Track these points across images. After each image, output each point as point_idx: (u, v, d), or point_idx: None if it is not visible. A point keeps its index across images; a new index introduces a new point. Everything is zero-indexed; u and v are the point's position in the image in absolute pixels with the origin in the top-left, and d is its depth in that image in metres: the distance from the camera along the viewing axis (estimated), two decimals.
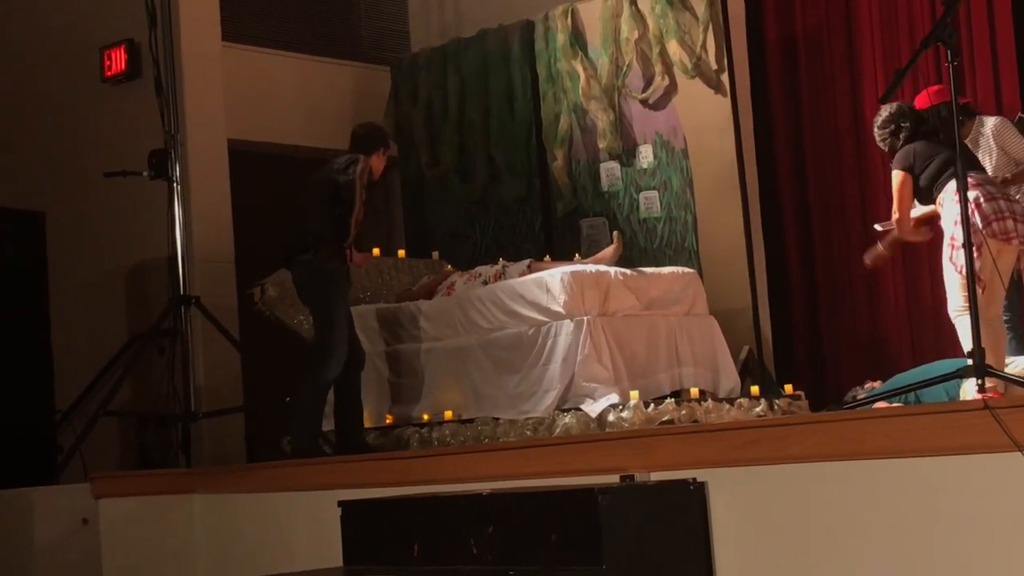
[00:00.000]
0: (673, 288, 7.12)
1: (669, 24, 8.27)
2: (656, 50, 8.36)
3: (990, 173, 6.41)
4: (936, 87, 6.64)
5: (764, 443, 4.50)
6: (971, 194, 5.66)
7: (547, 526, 4.48)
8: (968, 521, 4.00)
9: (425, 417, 7.17)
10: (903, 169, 6.03)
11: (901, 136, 6.11)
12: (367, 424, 7.13)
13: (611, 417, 6.40)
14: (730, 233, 8.11)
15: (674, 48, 8.27)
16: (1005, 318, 6.12)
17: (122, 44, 8.91)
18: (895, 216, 6.15)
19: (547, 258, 7.78)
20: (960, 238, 5.32)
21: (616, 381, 6.59)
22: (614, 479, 4.78)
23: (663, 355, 6.93)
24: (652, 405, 6.48)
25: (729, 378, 7.12)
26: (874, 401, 5.70)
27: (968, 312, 5.31)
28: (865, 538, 4.22)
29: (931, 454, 4.08)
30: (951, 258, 5.78)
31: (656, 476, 4.75)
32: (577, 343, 6.60)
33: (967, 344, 5.46)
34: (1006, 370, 5.73)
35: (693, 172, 8.29)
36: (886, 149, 6.22)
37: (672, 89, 8.37)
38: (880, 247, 6.56)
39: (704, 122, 8.23)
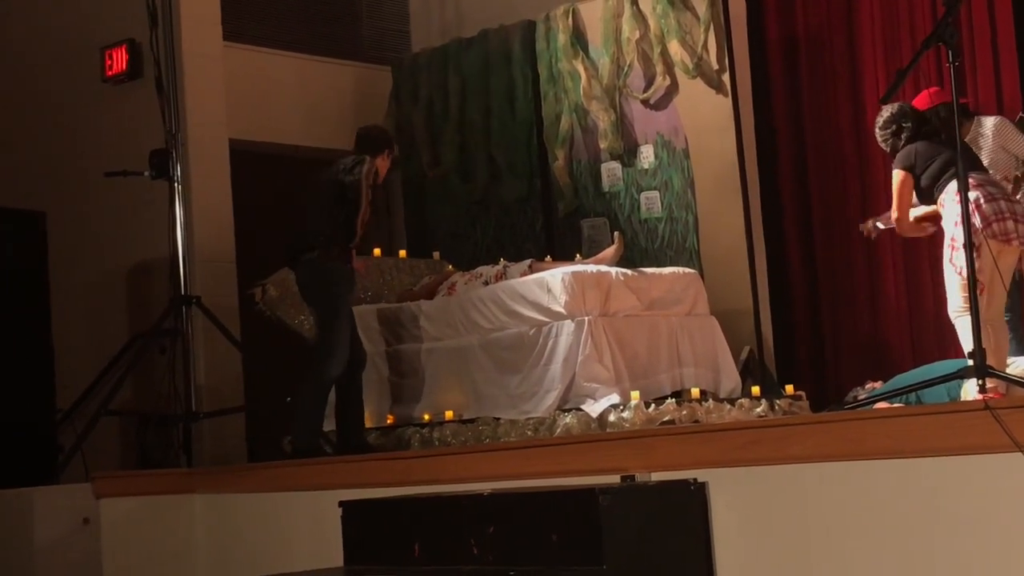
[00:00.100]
0: (674, 288, 7.13)
1: (670, 24, 8.27)
2: (657, 50, 8.36)
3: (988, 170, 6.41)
4: (934, 89, 6.65)
5: (765, 443, 4.50)
6: (972, 195, 5.66)
7: (548, 526, 4.48)
8: (969, 521, 4.00)
9: (426, 417, 7.17)
10: (904, 169, 6.03)
11: (903, 136, 6.11)
12: (368, 424, 7.13)
13: (612, 417, 6.40)
14: (731, 233, 8.11)
15: (675, 48, 8.27)
16: (1006, 318, 6.12)
17: (123, 44, 8.91)
18: (894, 215, 6.15)
19: (548, 258, 7.79)
20: (961, 239, 5.32)
21: (617, 381, 6.59)
22: (615, 479, 4.78)
23: (664, 355, 6.93)
24: (653, 405, 6.48)
25: (730, 378, 7.12)
26: (875, 401, 5.70)
27: (968, 313, 5.32)
28: (866, 538, 4.23)
29: (932, 454, 4.08)
30: (951, 259, 5.78)
31: (657, 476, 4.75)
32: (578, 343, 6.60)
33: (967, 345, 5.47)
34: (1008, 371, 5.73)
35: (694, 172, 8.29)
36: (888, 149, 6.22)
37: (673, 89, 8.37)
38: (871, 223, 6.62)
39: (705, 122, 8.23)
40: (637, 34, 8.44)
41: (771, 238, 8.33)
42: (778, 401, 6.95)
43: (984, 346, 4.88)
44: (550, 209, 9.00)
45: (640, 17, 8.43)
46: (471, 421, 6.93)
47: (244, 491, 6.69)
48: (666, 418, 6.43)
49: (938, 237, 6.39)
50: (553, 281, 6.76)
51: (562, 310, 6.69)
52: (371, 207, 6.73)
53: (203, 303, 8.20)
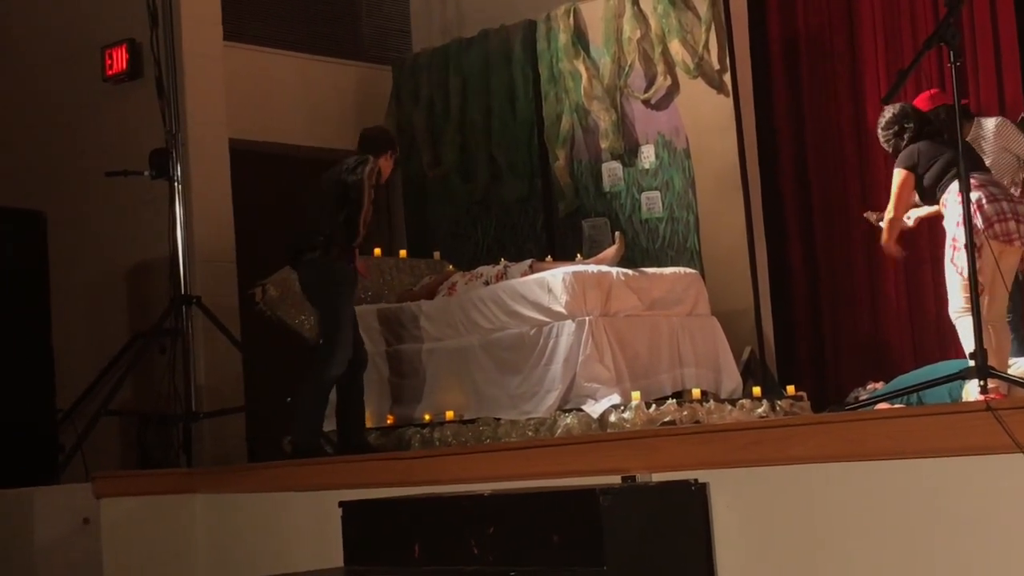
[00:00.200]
0: (675, 288, 7.13)
1: (671, 24, 8.28)
2: (658, 50, 8.36)
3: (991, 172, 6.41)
4: (934, 91, 6.65)
5: (766, 444, 4.50)
6: (974, 195, 5.66)
7: (548, 527, 4.48)
8: (970, 522, 4.00)
9: (426, 417, 7.17)
10: (907, 168, 6.03)
11: (905, 137, 6.11)
12: (368, 424, 7.14)
13: (613, 418, 6.40)
14: (732, 233, 8.11)
15: (676, 48, 8.27)
16: (1008, 319, 6.12)
17: (123, 43, 8.91)
18: (889, 215, 6.13)
19: (549, 258, 7.79)
20: (962, 239, 5.32)
21: (618, 382, 6.59)
22: (616, 480, 4.78)
23: (665, 356, 6.93)
24: (654, 406, 6.48)
25: (731, 379, 7.12)
26: (876, 402, 5.70)
27: (968, 313, 5.32)
28: (867, 539, 4.23)
29: (933, 455, 4.08)
30: (953, 259, 5.79)
31: (658, 477, 4.75)
32: (579, 343, 6.60)
33: (968, 345, 5.47)
34: (1009, 371, 5.73)
35: (695, 172, 8.29)
36: (890, 150, 6.22)
37: (674, 89, 8.37)
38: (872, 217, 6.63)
39: (706, 122, 8.23)
40: (638, 34, 8.44)
41: (772, 238, 8.33)
42: (779, 402, 6.95)
43: (985, 347, 4.87)
44: (551, 209, 9.00)
45: (641, 17, 8.43)
46: (472, 421, 6.93)
47: (244, 491, 6.69)
48: (667, 418, 6.43)
49: (939, 237, 6.39)
50: (554, 281, 6.77)
51: (563, 310, 6.69)
52: (373, 207, 6.73)
53: (203, 303, 8.20)
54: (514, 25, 9.18)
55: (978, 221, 5.67)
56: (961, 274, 5.65)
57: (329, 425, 6.99)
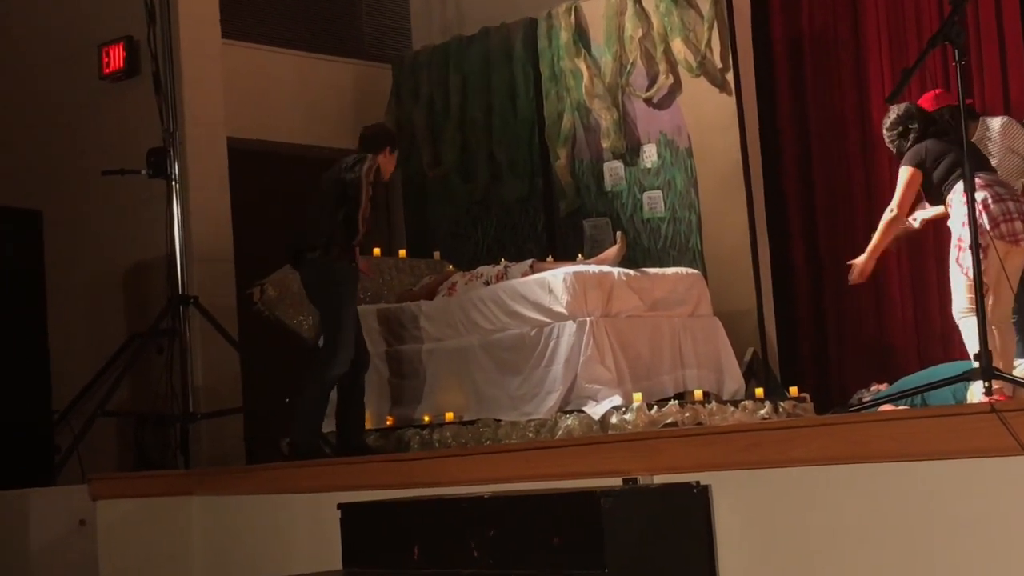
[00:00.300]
0: (677, 289, 7.13)
1: (673, 22, 8.27)
2: (660, 48, 8.36)
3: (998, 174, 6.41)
4: (938, 91, 6.65)
5: (768, 446, 4.50)
6: (979, 195, 5.66)
7: (549, 529, 4.48)
8: (974, 525, 4.00)
9: (426, 419, 7.17)
10: (914, 166, 6.02)
11: (910, 137, 6.11)
12: (368, 425, 7.14)
13: (614, 419, 6.40)
14: (735, 233, 8.11)
15: (678, 46, 8.27)
16: (1013, 320, 6.12)
17: (121, 41, 8.91)
18: (891, 214, 6.11)
19: (550, 258, 7.79)
20: (968, 239, 5.32)
21: (619, 383, 6.59)
22: (617, 482, 4.78)
23: (667, 357, 6.93)
24: (655, 407, 6.48)
25: (733, 380, 7.12)
26: (880, 404, 5.70)
27: (972, 314, 5.32)
28: (870, 542, 4.22)
29: (937, 457, 4.08)
30: (958, 259, 5.79)
31: (659, 479, 4.75)
32: (580, 344, 6.60)
33: (972, 346, 5.47)
34: (1014, 373, 5.74)
35: (697, 172, 8.29)
36: (894, 151, 6.23)
37: (676, 88, 8.37)
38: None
39: (709, 121, 8.23)
40: (640, 32, 8.44)
41: (775, 238, 8.32)
42: (782, 403, 6.95)
43: (990, 348, 4.87)
44: (552, 209, 9.00)
45: (643, 15, 8.43)
46: (471, 423, 6.93)
47: (242, 493, 6.69)
48: (669, 420, 6.43)
49: (944, 237, 6.39)
50: (555, 281, 6.76)
51: (564, 311, 6.69)
52: (372, 204, 6.73)
53: (201, 303, 8.20)
54: (515, 23, 9.18)
55: (984, 221, 5.67)
56: (966, 274, 5.66)
57: (328, 426, 6.99)
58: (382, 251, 8.41)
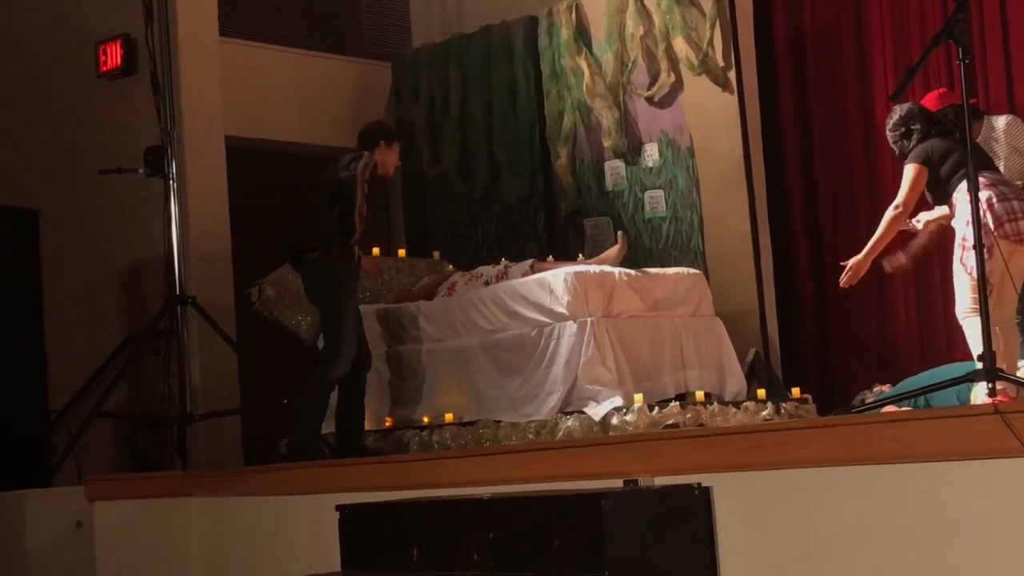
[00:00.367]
0: (678, 289, 7.13)
1: (675, 20, 8.27)
2: (662, 46, 8.36)
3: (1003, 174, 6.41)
4: (942, 90, 6.65)
5: (770, 447, 4.50)
6: (983, 194, 5.67)
7: (549, 531, 4.48)
8: (977, 527, 4.01)
9: (425, 420, 7.18)
10: (920, 162, 6.02)
11: (913, 137, 6.12)
12: (366, 426, 7.14)
13: (615, 420, 6.41)
14: (737, 233, 8.11)
15: (680, 44, 8.27)
16: (1017, 320, 6.13)
17: (118, 39, 8.92)
18: (896, 210, 6.09)
19: (550, 258, 7.79)
20: (972, 239, 5.32)
21: (620, 384, 6.60)
22: (617, 484, 4.78)
23: (668, 357, 6.94)
24: (656, 408, 6.48)
25: (735, 381, 7.13)
26: (883, 405, 5.71)
27: (976, 314, 5.32)
28: (872, 544, 4.23)
29: (940, 459, 4.08)
30: (961, 259, 5.79)
31: (660, 481, 4.75)
32: (580, 345, 6.60)
33: (975, 347, 5.47)
34: (1018, 373, 5.74)
35: (699, 171, 8.29)
36: (897, 151, 6.23)
37: (678, 86, 8.37)
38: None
39: (711, 120, 8.23)
40: (641, 30, 8.44)
41: (777, 238, 8.33)
42: (784, 404, 6.95)
43: (993, 349, 4.88)
44: (552, 208, 9.00)
45: (644, 13, 8.43)
46: (471, 424, 6.94)
47: (240, 494, 6.70)
48: (670, 421, 6.43)
49: (948, 236, 6.39)
50: (555, 281, 6.77)
51: (564, 311, 6.70)
52: (367, 202, 6.73)
53: (198, 303, 8.21)
54: (515, 21, 9.19)
55: (988, 220, 5.68)
56: (970, 274, 5.66)
57: (327, 427, 7.00)
58: (381, 250, 8.42)
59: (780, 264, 8.31)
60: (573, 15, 8.79)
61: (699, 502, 4.58)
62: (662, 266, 7.74)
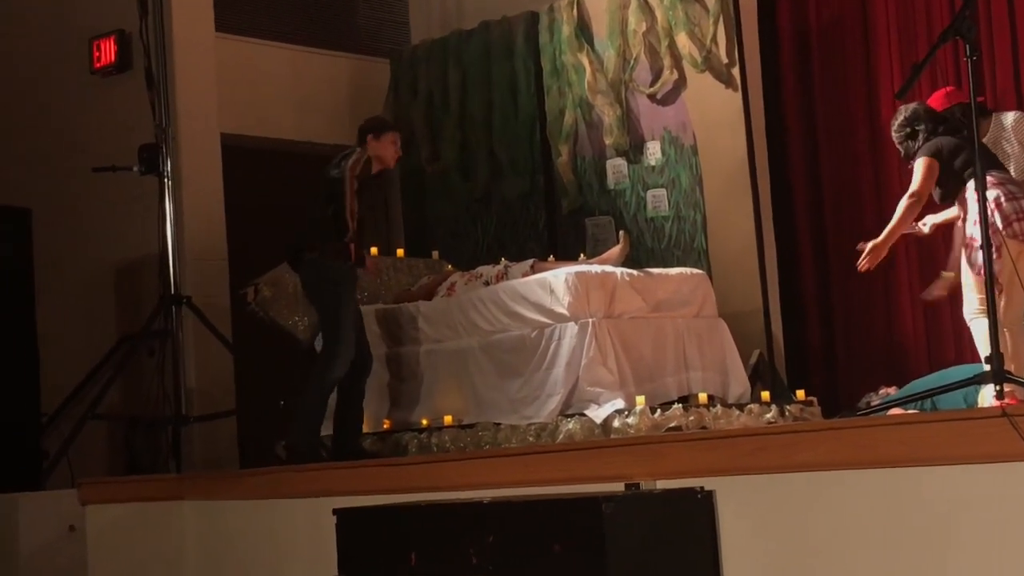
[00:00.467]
0: (681, 289, 7.13)
1: (678, 16, 8.28)
2: (665, 43, 8.36)
3: (1012, 171, 6.41)
4: (949, 88, 6.66)
5: (774, 450, 4.50)
6: (992, 193, 5.67)
7: (549, 536, 4.49)
8: (985, 532, 4.01)
9: (424, 422, 7.18)
10: (931, 155, 6.02)
11: (920, 137, 6.12)
12: (364, 429, 7.14)
13: (616, 423, 6.41)
14: (741, 233, 8.11)
15: (683, 41, 8.27)
16: None
17: (112, 35, 8.93)
18: (912, 198, 6.06)
19: (551, 258, 7.79)
20: (979, 238, 5.32)
21: (622, 385, 6.60)
22: (619, 487, 4.78)
23: (671, 359, 6.94)
24: (659, 411, 6.49)
25: (739, 383, 7.13)
26: (889, 407, 5.71)
27: (983, 315, 5.32)
28: (878, 549, 4.23)
29: (947, 463, 4.09)
30: (969, 259, 5.79)
31: (662, 484, 4.75)
32: (582, 346, 6.61)
33: (983, 348, 5.48)
34: None
35: (703, 169, 8.29)
36: (902, 152, 6.24)
37: (681, 83, 8.37)
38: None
39: (714, 117, 8.23)
40: (644, 26, 8.44)
41: (782, 237, 8.32)
42: (788, 407, 6.95)
43: (1001, 350, 4.88)
44: (553, 207, 9.00)
45: (647, 9, 8.43)
46: (470, 426, 6.94)
47: (235, 498, 6.70)
48: (672, 424, 6.43)
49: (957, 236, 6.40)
50: (556, 282, 6.77)
51: (565, 312, 6.70)
52: (360, 199, 6.74)
53: (194, 303, 8.21)
54: (516, 16, 9.19)
55: (996, 220, 5.68)
56: (979, 274, 5.66)
57: (324, 429, 7.00)
58: (379, 250, 8.42)
59: (784, 264, 8.30)
60: (574, 11, 8.79)
61: (702, 506, 4.59)
62: (665, 266, 7.75)
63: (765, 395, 7.08)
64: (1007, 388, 4.86)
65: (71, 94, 9.22)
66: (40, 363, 7.58)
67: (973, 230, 5.72)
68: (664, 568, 4.48)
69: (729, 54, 8.16)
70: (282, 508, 6.37)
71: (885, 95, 7.99)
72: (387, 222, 10.08)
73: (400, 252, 8.61)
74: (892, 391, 6.96)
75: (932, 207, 6.34)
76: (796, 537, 4.45)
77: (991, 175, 5.75)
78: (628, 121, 8.59)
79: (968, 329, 5.99)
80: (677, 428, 6.39)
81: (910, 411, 5.84)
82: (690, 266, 7.70)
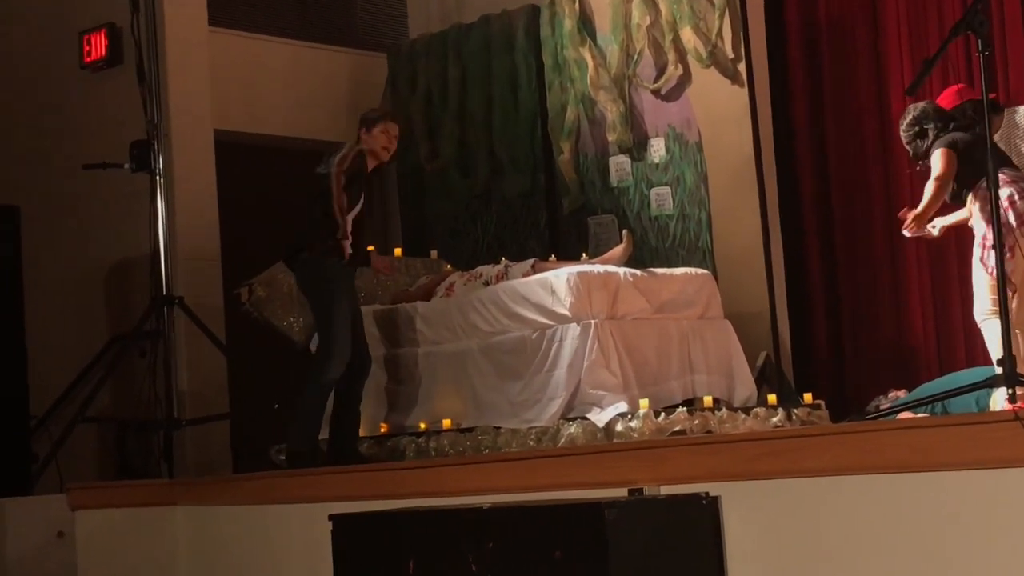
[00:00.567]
0: (686, 290, 7.13)
1: (683, 10, 8.28)
2: (669, 37, 8.36)
3: None
4: (961, 85, 6.66)
5: (781, 455, 4.51)
6: (1005, 191, 5.68)
7: (551, 542, 4.49)
8: (997, 538, 4.01)
9: (422, 426, 7.18)
10: (947, 147, 6.03)
11: (929, 136, 6.13)
12: (361, 432, 7.14)
13: (619, 427, 6.41)
14: (746, 232, 8.11)
15: (688, 35, 8.27)
16: None
17: (103, 28, 8.92)
18: (939, 180, 6.04)
19: (552, 257, 7.80)
20: (992, 238, 5.32)
21: (625, 389, 6.60)
22: (622, 493, 4.78)
23: (675, 361, 6.94)
24: (663, 414, 6.49)
25: (745, 386, 7.13)
26: (898, 411, 5.72)
27: (996, 316, 5.32)
28: (887, 556, 4.23)
29: (958, 468, 4.09)
30: (982, 258, 5.80)
31: (666, 490, 4.76)
32: (584, 348, 6.61)
33: (995, 350, 5.48)
34: None
35: (708, 167, 8.29)
36: (911, 151, 6.24)
37: (686, 79, 8.37)
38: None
39: (720, 114, 8.23)
40: (648, 20, 8.44)
41: (789, 237, 8.33)
42: (796, 410, 6.95)
43: (1014, 352, 4.88)
44: (555, 205, 9.00)
45: (651, 2, 8.43)
46: (470, 430, 6.94)
47: (229, 503, 6.70)
48: (677, 428, 6.43)
49: (966, 234, 6.39)
50: (557, 282, 6.77)
51: (567, 312, 6.70)
52: (347, 194, 6.74)
53: (186, 303, 8.21)
54: (517, 10, 9.19)
55: (1010, 218, 5.68)
56: (991, 274, 5.66)
57: (320, 433, 7.00)
58: (376, 249, 8.41)
59: (792, 264, 8.31)
60: (577, 4, 8.79)
61: (707, 512, 4.59)
62: (669, 266, 7.75)
63: (772, 398, 7.08)
64: (1020, 391, 4.86)
65: (60, 89, 9.22)
66: (29, 364, 7.57)
67: (986, 228, 5.72)
68: (668, 575, 4.48)
69: (735, 49, 8.16)
70: (277, 514, 6.37)
71: (895, 91, 7.99)
72: (384, 221, 10.08)
73: (398, 251, 8.60)
74: (901, 394, 6.97)
75: (942, 208, 6.34)
76: (804, 544, 4.45)
77: (1004, 173, 5.76)
78: (631, 117, 8.59)
79: (978, 330, 5.99)
80: (681, 432, 6.39)
81: (920, 415, 5.84)
82: (695, 266, 7.70)
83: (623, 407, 6.46)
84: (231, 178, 8.93)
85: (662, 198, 8.46)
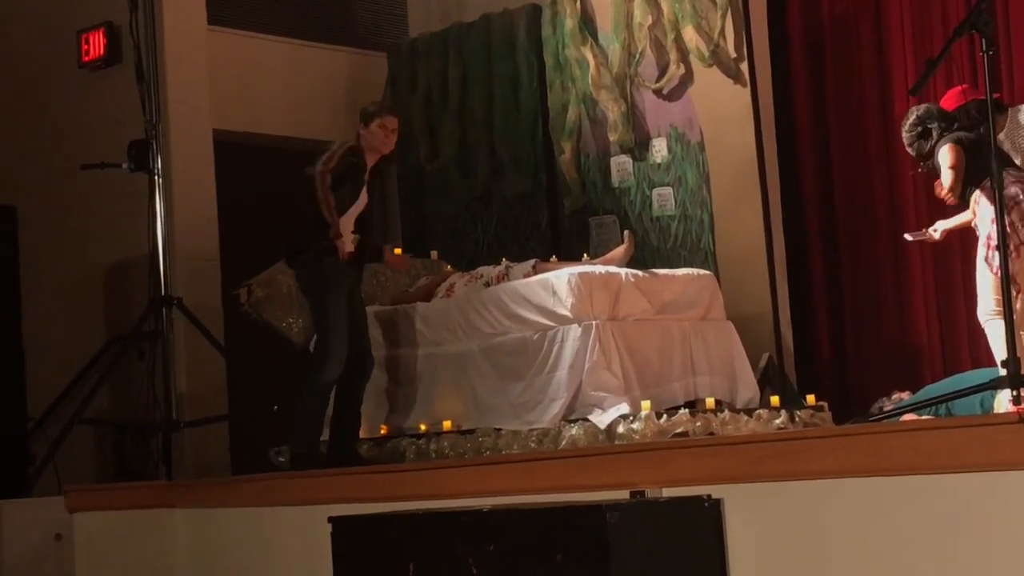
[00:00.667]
0: (688, 291, 7.13)
1: (685, 9, 8.27)
2: (671, 37, 8.36)
3: None
4: (964, 86, 6.66)
5: (784, 457, 4.50)
6: (1009, 191, 5.67)
7: (552, 545, 4.49)
8: (1002, 541, 4.01)
9: (422, 427, 7.18)
10: (954, 143, 6.03)
11: (933, 136, 6.13)
12: (360, 434, 7.14)
13: (621, 429, 6.41)
14: (749, 232, 8.11)
15: (690, 34, 8.27)
16: None
17: (101, 27, 8.93)
18: (952, 173, 6.06)
19: (553, 258, 7.79)
20: (996, 237, 5.33)
21: (626, 390, 6.60)
22: (623, 495, 4.78)
23: (677, 362, 6.94)
24: (665, 416, 6.49)
25: (747, 387, 7.13)
26: (902, 413, 5.71)
27: (999, 316, 5.32)
28: (890, 559, 4.23)
29: (962, 470, 4.08)
30: (987, 258, 5.80)
31: (668, 492, 4.75)
32: (585, 349, 6.61)
33: (999, 351, 5.48)
34: None
35: (710, 167, 8.29)
36: (913, 153, 6.25)
37: (688, 78, 8.37)
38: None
39: (722, 114, 8.23)
40: (650, 19, 8.44)
41: (792, 238, 8.32)
42: (799, 412, 6.96)
43: (1018, 353, 4.87)
44: (556, 206, 9.00)
45: (653, 1, 8.43)
46: (470, 432, 6.94)
47: (228, 505, 6.70)
48: (679, 430, 6.43)
49: (970, 234, 6.40)
50: (559, 283, 6.77)
51: (568, 313, 6.70)
52: (339, 192, 6.74)
53: (185, 304, 8.21)
54: (518, 9, 9.19)
55: (1015, 219, 5.68)
56: (996, 274, 5.67)
57: (322, 434, 7.00)
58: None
59: (794, 265, 8.31)
60: (578, 3, 8.79)
61: (709, 515, 4.59)
62: (671, 267, 7.75)
63: (775, 400, 7.09)
64: None
65: (58, 88, 9.23)
66: (26, 365, 7.58)
67: (990, 228, 5.73)
68: None
69: (737, 48, 8.16)
70: (276, 516, 6.37)
71: (899, 90, 7.99)
72: (384, 221, 10.08)
73: (398, 252, 8.60)
74: (905, 396, 6.97)
75: (939, 213, 6.35)
76: (807, 547, 4.45)
77: (1008, 173, 5.76)
78: (633, 117, 8.58)
79: (983, 331, 5.99)
80: (684, 434, 6.39)
81: (924, 417, 5.85)
82: (697, 267, 7.70)
83: (625, 409, 6.46)
84: (230, 178, 8.93)
85: (664, 198, 8.46)
